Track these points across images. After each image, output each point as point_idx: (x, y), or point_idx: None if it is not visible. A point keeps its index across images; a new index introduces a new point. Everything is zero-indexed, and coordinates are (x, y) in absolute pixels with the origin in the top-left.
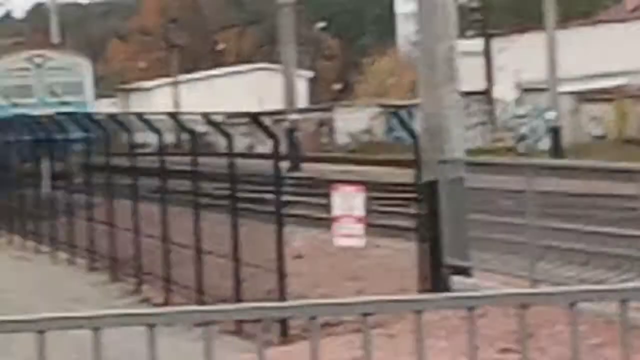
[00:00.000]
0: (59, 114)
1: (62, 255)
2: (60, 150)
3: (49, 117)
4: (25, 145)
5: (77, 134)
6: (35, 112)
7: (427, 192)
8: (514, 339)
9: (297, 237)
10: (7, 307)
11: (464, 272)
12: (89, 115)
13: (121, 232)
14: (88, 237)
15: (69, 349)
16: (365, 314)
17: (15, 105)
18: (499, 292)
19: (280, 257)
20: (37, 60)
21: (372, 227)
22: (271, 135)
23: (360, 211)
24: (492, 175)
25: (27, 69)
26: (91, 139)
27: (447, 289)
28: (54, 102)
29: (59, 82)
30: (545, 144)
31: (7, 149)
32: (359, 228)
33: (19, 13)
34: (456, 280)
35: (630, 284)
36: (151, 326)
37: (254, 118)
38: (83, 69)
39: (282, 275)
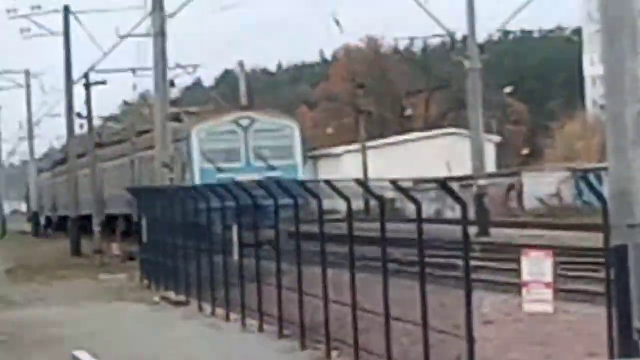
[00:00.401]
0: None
1: (252, 322)
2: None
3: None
4: (230, 212)
5: (285, 200)
6: (242, 177)
7: (617, 257)
8: None
9: (487, 303)
10: None
11: None
12: (298, 181)
13: (311, 299)
14: (278, 305)
15: None
16: None
17: (220, 170)
18: None
19: (469, 322)
20: (244, 122)
21: (561, 293)
22: (459, 200)
23: (549, 277)
24: None
25: (233, 132)
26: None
27: (637, 354)
28: (262, 166)
29: (267, 146)
30: None
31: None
32: (548, 293)
33: (208, 81)
34: None
35: None
36: None
37: (443, 184)
38: (292, 131)
39: (471, 340)
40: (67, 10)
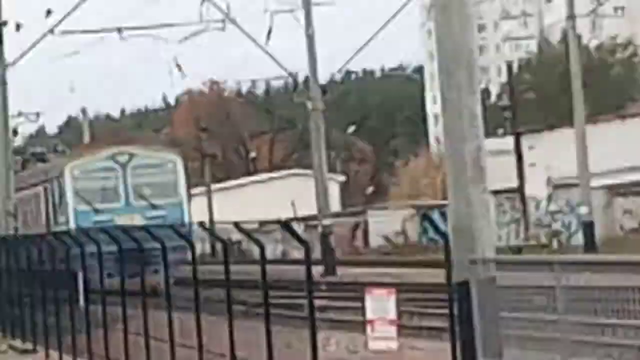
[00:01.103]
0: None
1: None
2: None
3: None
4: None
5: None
6: (123, 218)
7: (459, 293)
8: None
9: (333, 342)
10: None
11: None
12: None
13: (159, 344)
14: (124, 349)
15: None
16: None
17: (97, 211)
18: None
19: None
20: (122, 158)
21: (406, 329)
22: (302, 241)
23: (393, 314)
24: (523, 272)
25: (110, 169)
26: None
27: None
28: (144, 205)
29: (148, 182)
30: (579, 238)
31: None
32: (392, 330)
33: (51, 129)
34: None
35: None
36: None
37: (285, 225)
38: (175, 165)
39: None
40: None
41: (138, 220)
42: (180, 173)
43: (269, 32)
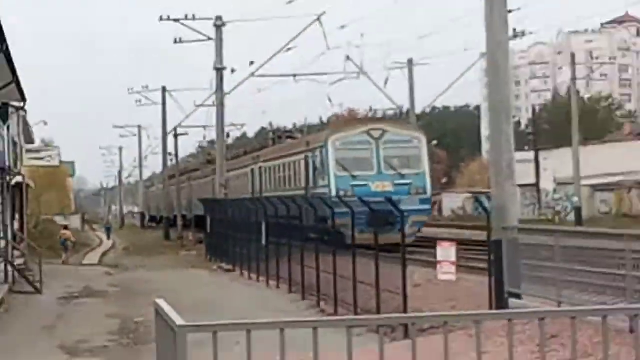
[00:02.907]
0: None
1: (273, 282)
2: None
3: None
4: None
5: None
6: (375, 184)
7: (495, 247)
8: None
9: (416, 274)
10: (234, 313)
11: (517, 296)
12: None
13: (309, 269)
14: (288, 272)
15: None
16: (446, 322)
17: (354, 177)
18: (536, 310)
19: (404, 285)
20: (376, 133)
21: (461, 268)
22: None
23: (453, 258)
24: (536, 236)
25: (366, 142)
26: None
27: (507, 306)
28: (392, 174)
29: (397, 155)
30: (572, 217)
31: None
32: (453, 269)
33: (250, 134)
34: (512, 301)
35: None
36: (316, 328)
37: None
38: (420, 142)
39: (405, 297)
40: (164, 89)
41: (388, 187)
42: (424, 148)
43: (386, 80)
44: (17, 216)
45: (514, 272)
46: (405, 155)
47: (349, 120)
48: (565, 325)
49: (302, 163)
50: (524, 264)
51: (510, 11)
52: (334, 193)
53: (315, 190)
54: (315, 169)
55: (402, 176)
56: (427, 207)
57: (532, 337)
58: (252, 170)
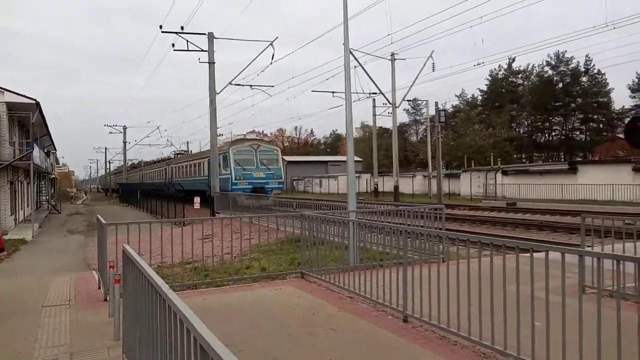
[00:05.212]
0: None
1: (143, 210)
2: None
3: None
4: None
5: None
6: (255, 173)
7: None
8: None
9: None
10: (129, 219)
11: None
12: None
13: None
14: (150, 207)
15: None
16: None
17: (244, 169)
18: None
19: None
20: (254, 146)
21: None
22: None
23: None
24: None
25: (250, 151)
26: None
27: None
28: (263, 168)
29: (266, 158)
30: None
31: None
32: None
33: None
34: None
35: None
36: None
37: None
38: (277, 152)
39: None
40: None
41: (262, 175)
42: (279, 155)
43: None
44: (53, 189)
45: None
46: (270, 158)
47: (241, 139)
48: None
49: (205, 163)
50: None
51: None
52: (234, 178)
53: (221, 176)
54: (220, 164)
55: (269, 169)
56: (281, 185)
57: None
58: (166, 168)
